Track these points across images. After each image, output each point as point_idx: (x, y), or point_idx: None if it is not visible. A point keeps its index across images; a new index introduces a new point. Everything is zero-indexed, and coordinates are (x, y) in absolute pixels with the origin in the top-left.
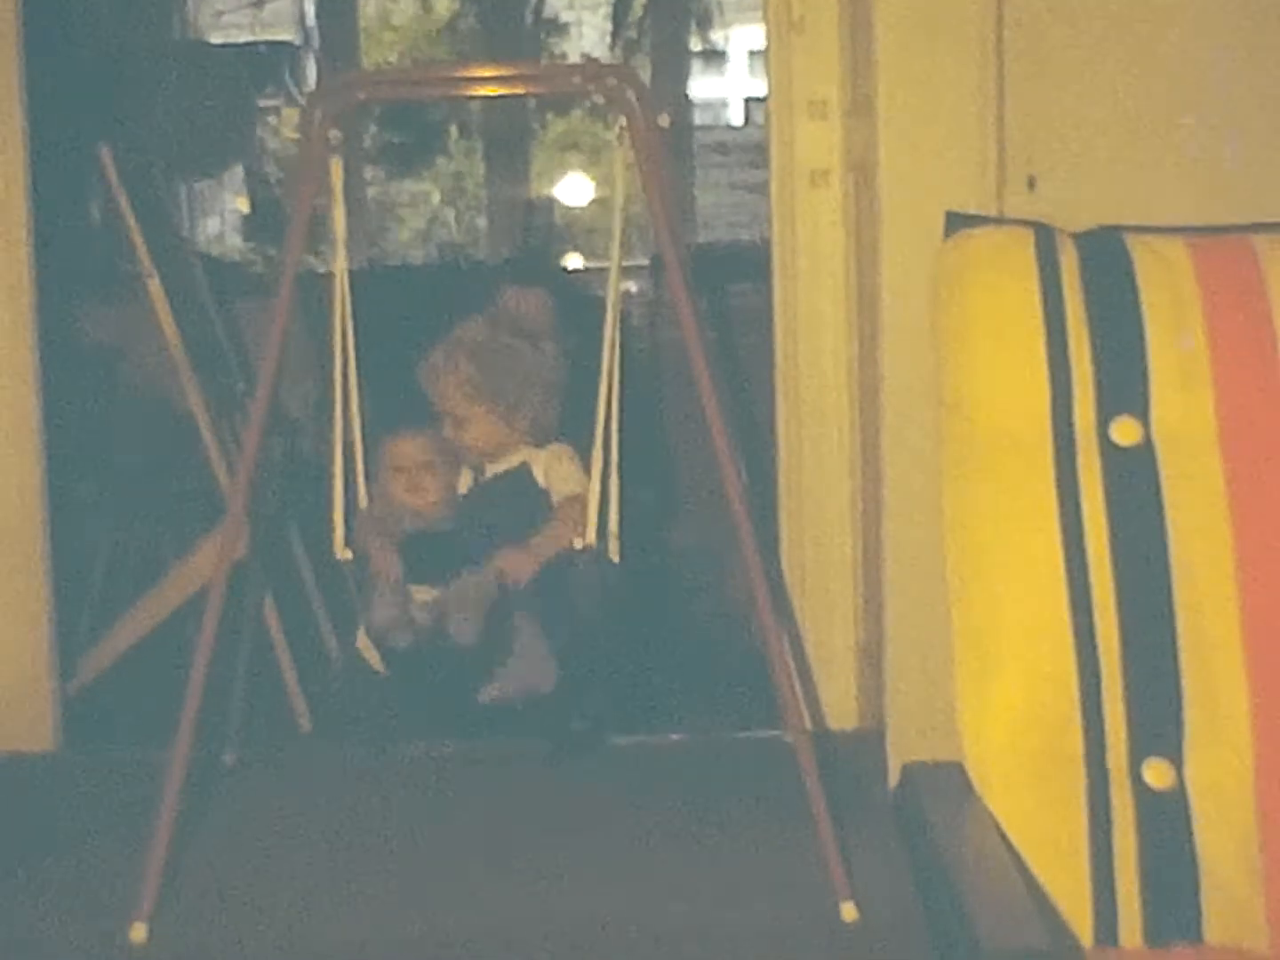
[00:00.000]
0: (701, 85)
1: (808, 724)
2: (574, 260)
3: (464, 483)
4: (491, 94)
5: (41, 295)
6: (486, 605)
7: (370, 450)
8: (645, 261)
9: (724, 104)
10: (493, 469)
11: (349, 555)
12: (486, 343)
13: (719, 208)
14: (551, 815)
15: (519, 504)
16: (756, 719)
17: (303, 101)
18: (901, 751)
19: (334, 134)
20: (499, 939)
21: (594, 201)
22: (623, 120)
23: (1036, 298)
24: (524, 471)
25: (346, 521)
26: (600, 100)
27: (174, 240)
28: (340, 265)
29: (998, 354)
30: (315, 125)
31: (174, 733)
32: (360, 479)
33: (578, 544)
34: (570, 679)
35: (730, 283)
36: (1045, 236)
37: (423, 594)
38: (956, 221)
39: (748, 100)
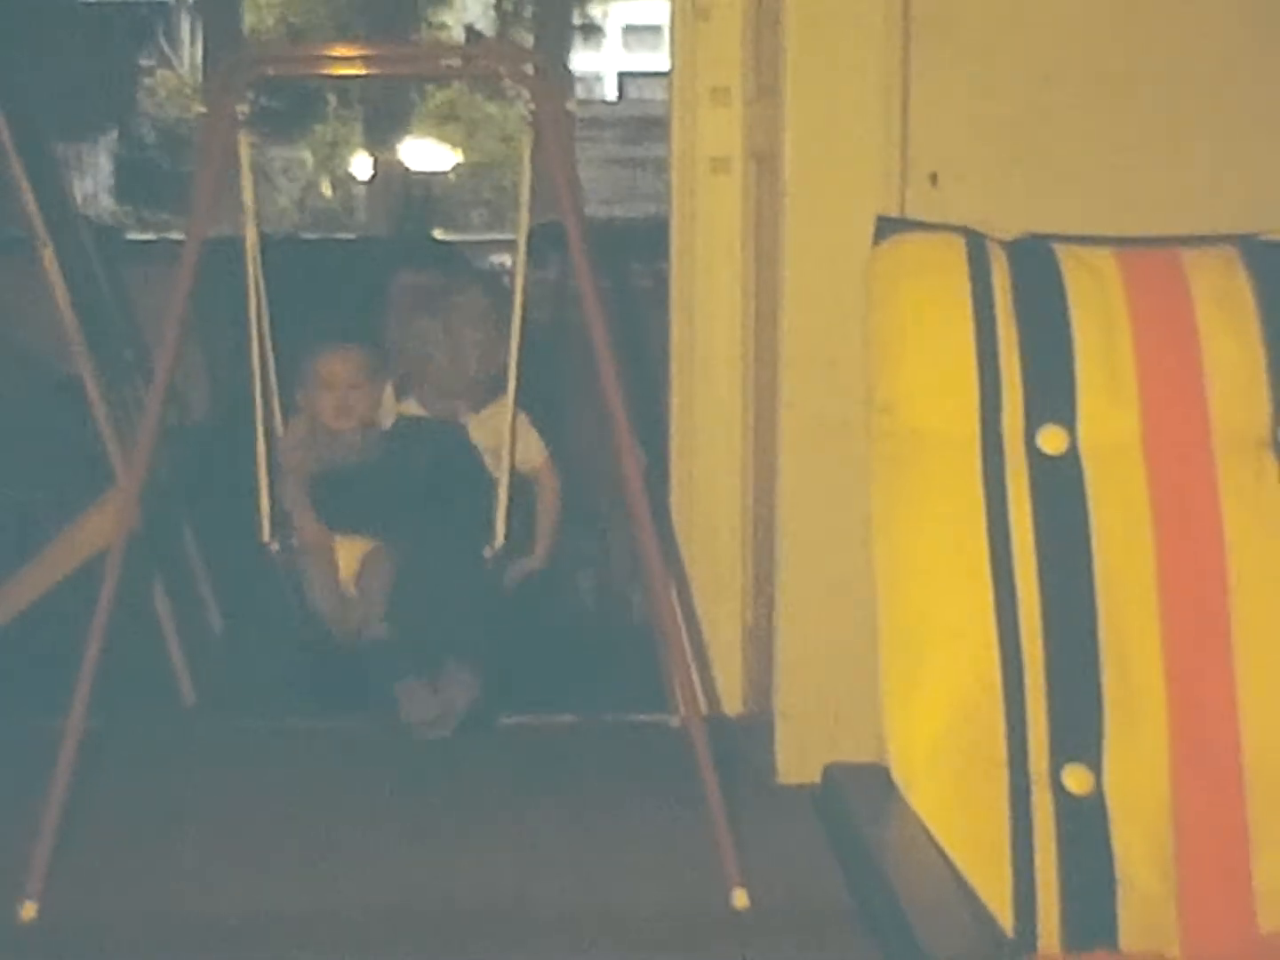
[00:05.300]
0: (578, 59)
1: (704, 710)
2: (447, 233)
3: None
4: (404, 76)
5: None
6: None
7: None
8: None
9: (598, 78)
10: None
11: (275, 546)
12: (489, 311)
13: (591, 183)
14: (440, 794)
15: (447, 459)
16: (638, 700)
17: (176, 62)
18: (791, 738)
19: (240, 108)
20: (389, 917)
21: (471, 173)
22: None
23: (968, 305)
24: (458, 429)
25: (272, 511)
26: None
27: (64, 205)
28: (251, 236)
29: (929, 359)
30: (221, 99)
31: (62, 705)
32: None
33: (487, 554)
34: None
35: (608, 257)
36: (977, 244)
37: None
38: (887, 226)
39: (621, 75)
